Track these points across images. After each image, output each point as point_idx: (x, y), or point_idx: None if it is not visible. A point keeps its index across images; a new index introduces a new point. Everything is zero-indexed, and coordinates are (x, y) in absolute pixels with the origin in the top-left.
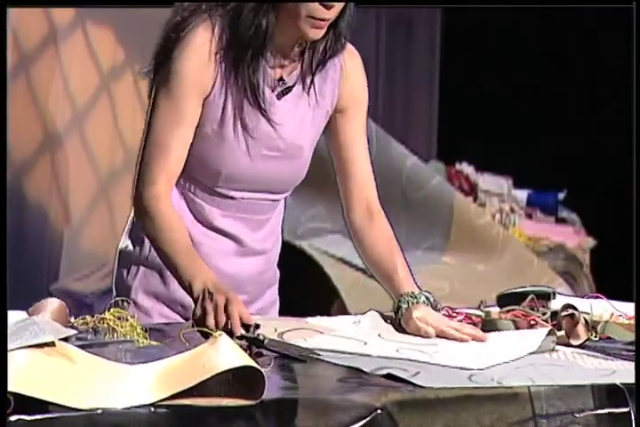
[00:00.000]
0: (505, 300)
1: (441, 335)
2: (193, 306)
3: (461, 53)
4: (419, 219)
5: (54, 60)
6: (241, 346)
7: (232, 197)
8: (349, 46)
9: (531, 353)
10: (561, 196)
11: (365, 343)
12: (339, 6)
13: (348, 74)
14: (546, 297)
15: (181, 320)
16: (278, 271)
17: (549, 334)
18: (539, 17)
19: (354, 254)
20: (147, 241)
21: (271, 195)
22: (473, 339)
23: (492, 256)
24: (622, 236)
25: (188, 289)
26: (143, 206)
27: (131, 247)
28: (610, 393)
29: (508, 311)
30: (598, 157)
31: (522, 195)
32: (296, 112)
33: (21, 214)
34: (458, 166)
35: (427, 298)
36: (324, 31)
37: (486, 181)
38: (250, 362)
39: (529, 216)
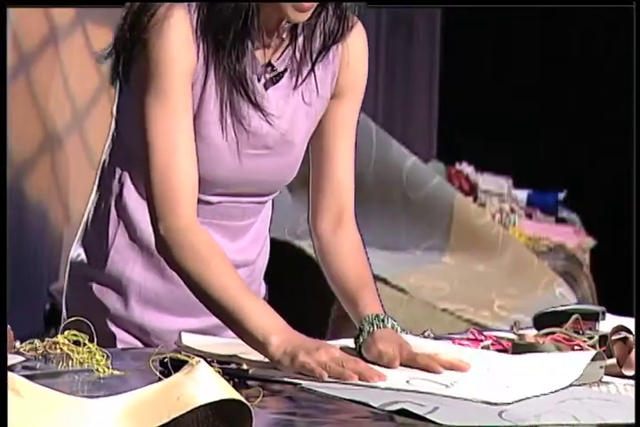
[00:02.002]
0: (543, 320)
1: (409, 364)
2: (155, 331)
3: (461, 53)
4: (419, 219)
5: (54, 60)
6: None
7: (208, 202)
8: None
9: (573, 384)
10: (561, 196)
11: None
12: None
13: (351, 56)
14: (593, 317)
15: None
16: (265, 285)
17: (596, 358)
18: (539, 17)
19: None
20: (102, 250)
21: (255, 198)
22: (450, 368)
23: (492, 256)
24: (622, 236)
25: (260, 346)
26: (172, 241)
27: (83, 257)
28: None
29: (547, 335)
30: (598, 157)
31: (522, 195)
32: (288, 103)
33: (21, 214)
34: (458, 166)
35: (394, 324)
36: (309, 14)
37: (486, 181)
38: (234, 394)
39: (529, 216)
